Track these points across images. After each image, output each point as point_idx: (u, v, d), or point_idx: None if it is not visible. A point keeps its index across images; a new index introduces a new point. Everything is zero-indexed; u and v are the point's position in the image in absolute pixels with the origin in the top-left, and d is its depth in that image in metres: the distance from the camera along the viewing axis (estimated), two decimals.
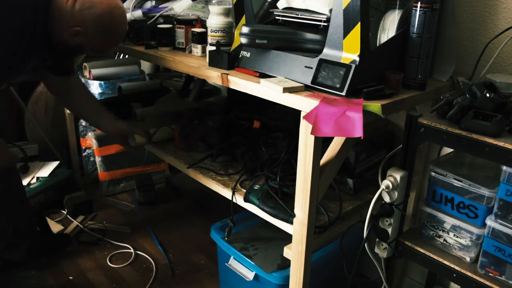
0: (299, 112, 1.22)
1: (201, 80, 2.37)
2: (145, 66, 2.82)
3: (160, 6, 2.11)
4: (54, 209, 2.57)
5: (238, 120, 1.77)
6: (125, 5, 2.21)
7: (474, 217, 1.19)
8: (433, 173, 1.25)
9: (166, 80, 2.64)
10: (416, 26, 1.28)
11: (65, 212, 2.55)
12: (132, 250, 2.24)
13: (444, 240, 1.26)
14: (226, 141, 1.71)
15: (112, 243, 2.31)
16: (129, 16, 2.06)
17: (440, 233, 1.26)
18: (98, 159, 2.72)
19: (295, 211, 1.33)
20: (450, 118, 1.15)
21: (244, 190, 1.54)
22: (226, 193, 1.58)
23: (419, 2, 1.26)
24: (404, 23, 1.33)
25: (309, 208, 1.28)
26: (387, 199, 1.31)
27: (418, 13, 1.27)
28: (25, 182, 2.54)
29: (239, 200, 1.53)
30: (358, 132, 1.08)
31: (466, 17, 1.50)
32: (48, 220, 2.45)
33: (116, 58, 2.93)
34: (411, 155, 1.27)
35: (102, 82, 2.55)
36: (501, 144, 1.05)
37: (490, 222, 1.14)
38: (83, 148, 2.87)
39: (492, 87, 1.19)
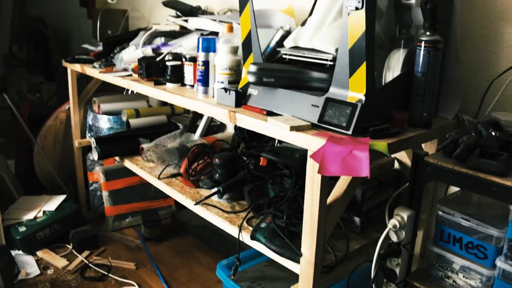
0: (305, 149, 1.22)
1: (209, 116, 2.39)
2: (153, 101, 2.86)
3: (169, 43, 2.15)
4: (60, 244, 2.56)
5: (245, 157, 1.78)
6: (135, 41, 2.27)
7: (483, 257, 1.17)
8: (440, 212, 1.23)
9: (174, 116, 2.67)
10: (420, 65, 1.29)
11: (70, 247, 2.54)
12: (137, 287, 2.22)
13: (454, 281, 1.24)
14: (233, 177, 1.72)
15: (117, 280, 2.28)
16: (138, 52, 2.10)
17: (449, 273, 1.24)
18: (105, 194, 2.73)
19: (302, 250, 1.31)
20: (456, 157, 1.15)
21: (251, 228, 1.53)
22: (233, 230, 1.57)
23: (423, 42, 1.27)
24: (408, 62, 1.34)
25: (316, 247, 1.27)
26: (394, 238, 1.30)
27: (422, 52, 1.28)
28: (31, 215, 2.55)
29: (245, 238, 1.52)
30: (365, 172, 1.08)
31: (470, 55, 1.52)
32: (53, 254, 2.45)
33: (124, 93, 2.97)
34: (418, 194, 1.26)
35: (111, 117, 2.58)
36: (508, 183, 1.04)
37: (500, 263, 1.12)
38: (90, 182, 2.88)
39: (497, 126, 1.19)
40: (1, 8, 4.99)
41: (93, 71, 2.32)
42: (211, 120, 2.42)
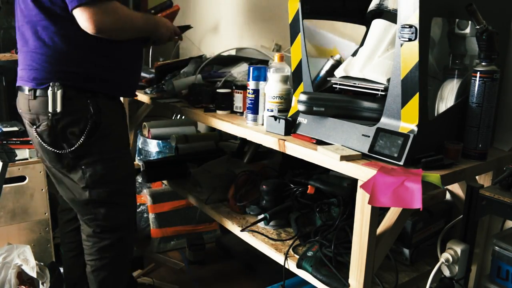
0: (353, 178, 1.22)
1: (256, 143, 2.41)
2: (201, 127, 2.91)
3: (219, 71, 2.20)
4: None
5: (292, 184, 1.78)
6: (186, 69, 2.33)
7: None
8: (497, 248, 1.19)
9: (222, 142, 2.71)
10: (475, 95, 1.27)
11: None
12: None
13: None
14: (280, 205, 1.72)
15: None
16: (191, 79, 2.16)
17: None
18: (151, 216, 2.78)
19: (350, 280, 1.29)
20: None
21: (297, 256, 1.52)
22: (278, 258, 1.56)
23: (479, 73, 1.25)
24: (463, 93, 1.32)
25: (364, 279, 1.25)
26: (446, 273, 1.26)
27: (477, 82, 1.26)
28: None
29: (291, 265, 1.51)
30: (417, 204, 1.06)
31: None
32: None
33: (173, 118, 3.05)
34: (472, 228, 1.23)
35: (160, 142, 2.65)
36: None
37: None
38: (138, 204, 2.95)
39: None
40: None
41: (145, 97, 2.39)
42: (258, 146, 2.44)
